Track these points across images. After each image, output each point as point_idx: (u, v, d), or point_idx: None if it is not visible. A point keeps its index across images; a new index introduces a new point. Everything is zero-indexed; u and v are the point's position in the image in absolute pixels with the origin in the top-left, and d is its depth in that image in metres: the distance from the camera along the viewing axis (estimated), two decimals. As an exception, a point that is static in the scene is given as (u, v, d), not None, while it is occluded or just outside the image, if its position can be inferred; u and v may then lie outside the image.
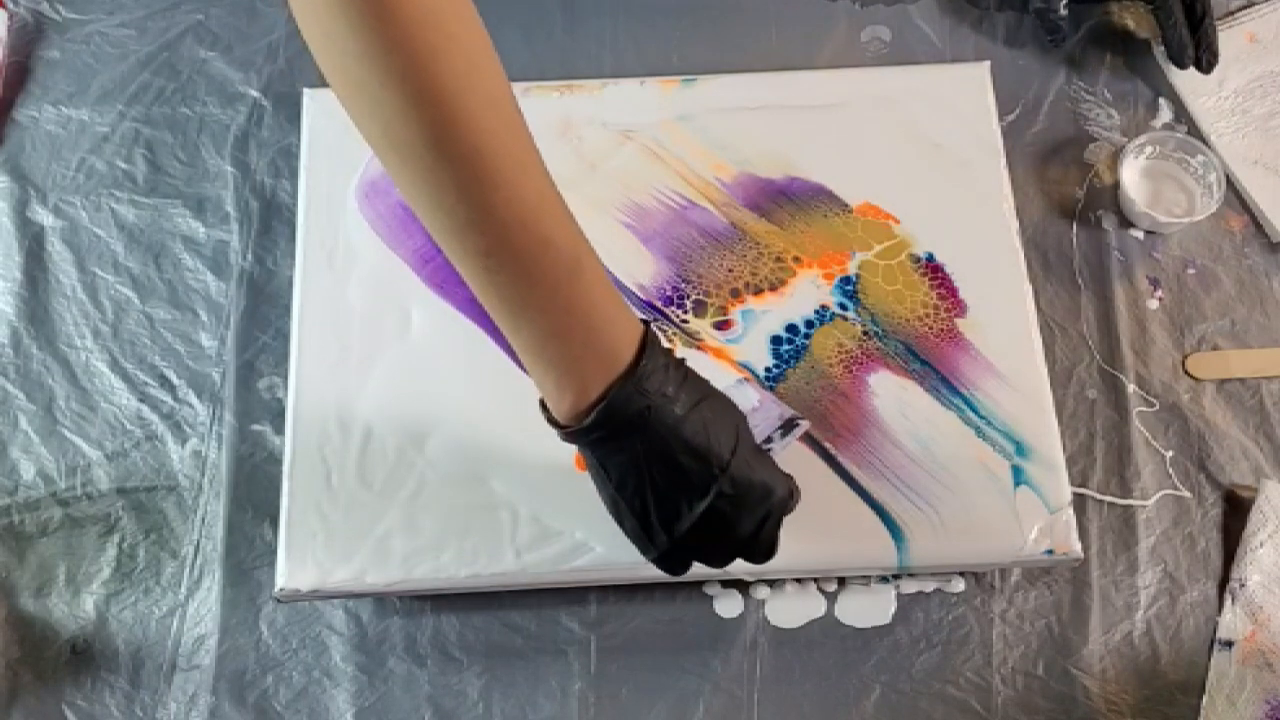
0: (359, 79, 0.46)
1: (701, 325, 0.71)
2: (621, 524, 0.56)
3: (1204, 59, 0.79)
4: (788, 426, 0.64)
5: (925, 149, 0.76)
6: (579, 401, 0.51)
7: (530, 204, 0.48)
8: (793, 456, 0.68)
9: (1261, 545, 0.69)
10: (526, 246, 0.48)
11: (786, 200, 0.75)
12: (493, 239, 0.48)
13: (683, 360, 0.55)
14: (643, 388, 0.51)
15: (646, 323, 0.54)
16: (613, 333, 0.51)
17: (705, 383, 0.55)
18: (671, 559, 0.56)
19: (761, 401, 0.65)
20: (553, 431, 0.67)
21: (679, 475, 0.53)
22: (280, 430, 0.70)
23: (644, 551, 0.56)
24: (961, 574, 0.69)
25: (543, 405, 0.54)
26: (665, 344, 0.54)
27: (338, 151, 0.75)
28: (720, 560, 0.57)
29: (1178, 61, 0.80)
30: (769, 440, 0.64)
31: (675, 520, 0.54)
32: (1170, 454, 0.73)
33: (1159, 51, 0.83)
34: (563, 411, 0.52)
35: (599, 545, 0.66)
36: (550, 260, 0.49)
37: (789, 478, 0.57)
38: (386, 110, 0.46)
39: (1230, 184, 0.79)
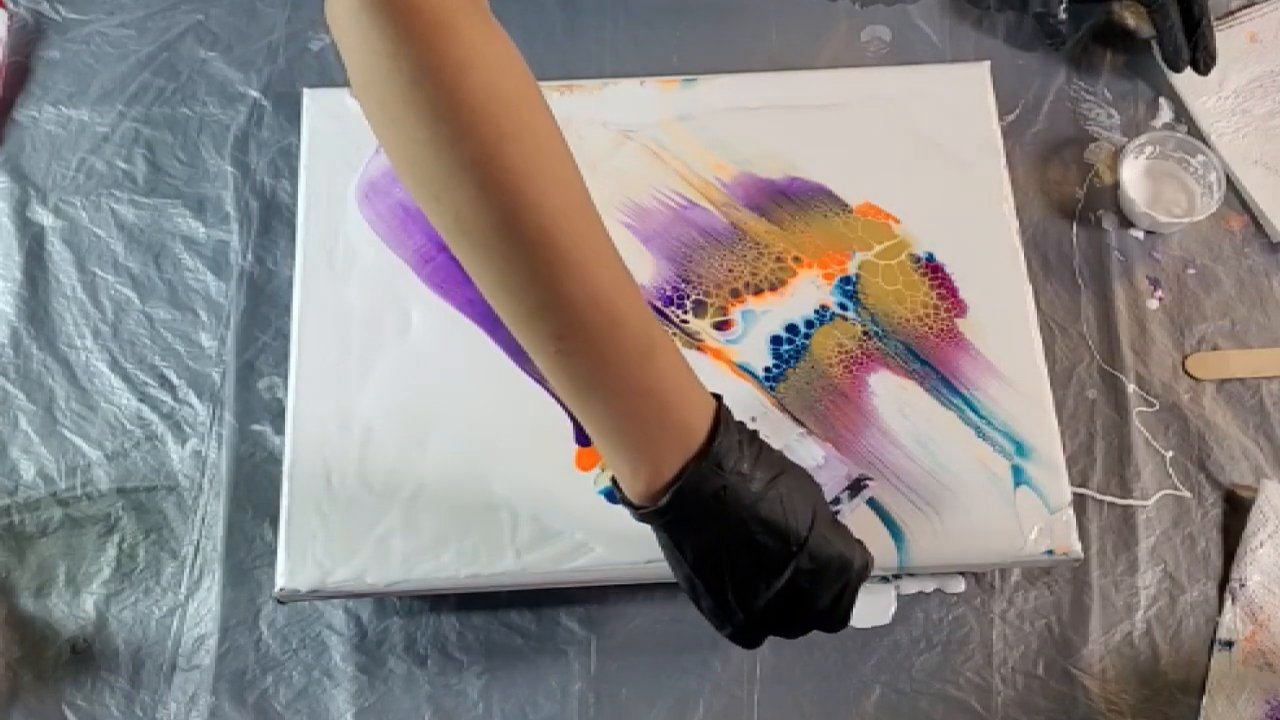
0: (428, 167, 0.46)
1: (701, 325, 0.71)
2: (697, 603, 0.55)
3: (1201, 61, 0.79)
4: (855, 487, 0.64)
5: (925, 149, 0.76)
6: (653, 482, 0.50)
7: (601, 286, 0.48)
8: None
9: (1261, 545, 0.69)
10: (598, 329, 0.48)
11: (786, 200, 0.75)
12: (564, 322, 0.48)
13: (755, 433, 0.53)
14: (718, 467, 0.50)
15: (718, 397, 0.52)
16: (686, 411, 0.50)
17: (779, 456, 0.54)
18: (747, 634, 0.55)
19: (826, 458, 0.64)
20: (553, 432, 0.67)
21: (756, 554, 0.52)
22: (280, 430, 0.70)
23: (719, 628, 0.55)
24: (961, 574, 0.69)
25: (615, 484, 0.53)
26: (741, 423, 0.53)
27: (338, 151, 0.75)
28: (796, 632, 0.56)
29: (1173, 65, 0.80)
30: (836, 502, 0.63)
31: (753, 598, 0.53)
32: (1170, 454, 0.73)
33: (1159, 52, 0.83)
34: (637, 492, 0.51)
35: (599, 545, 0.66)
36: (622, 342, 0.48)
37: (862, 545, 0.56)
38: (456, 197, 0.46)
39: (1230, 184, 0.79)
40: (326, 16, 0.49)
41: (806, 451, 0.63)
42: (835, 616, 0.55)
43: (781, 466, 0.53)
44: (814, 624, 0.56)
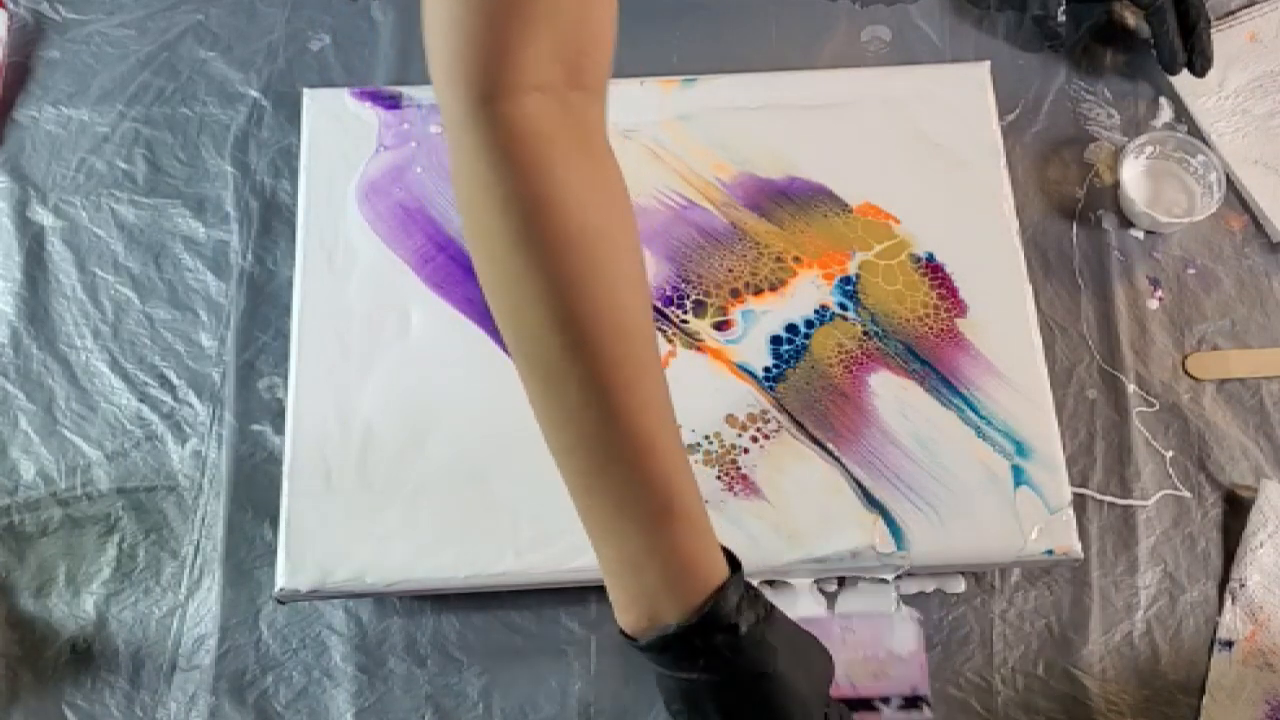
0: (506, 291, 0.48)
1: (701, 325, 0.71)
2: None
3: (1197, 63, 0.79)
4: (912, 702, 0.63)
5: (925, 149, 0.76)
6: (642, 624, 0.50)
7: (632, 444, 0.49)
8: (792, 455, 0.68)
9: (1261, 545, 0.69)
10: (620, 481, 0.49)
11: (786, 200, 0.75)
12: (593, 463, 0.49)
13: (771, 608, 0.52)
14: (709, 631, 0.49)
15: (736, 567, 0.52)
16: (692, 577, 0.50)
17: (786, 630, 0.53)
18: None
19: (912, 654, 0.63)
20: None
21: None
22: (280, 430, 0.70)
23: None
24: (961, 574, 0.69)
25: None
26: (755, 593, 0.52)
27: (338, 151, 0.75)
28: None
29: (1168, 68, 0.80)
30: (886, 701, 0.63)
31: None
32: (1170, 454, 0.73)
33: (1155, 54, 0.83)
34: (626, 624, 0.51)
35: (599, 545, 0.66)
36: (640, 499, 0.49)
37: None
38: (530, 326, 0.48)
39: (1230, 184, 0.79)
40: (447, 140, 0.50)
41: (900, 634, 0.62)
42: None
43: (782, 642, 0.52)
44: None
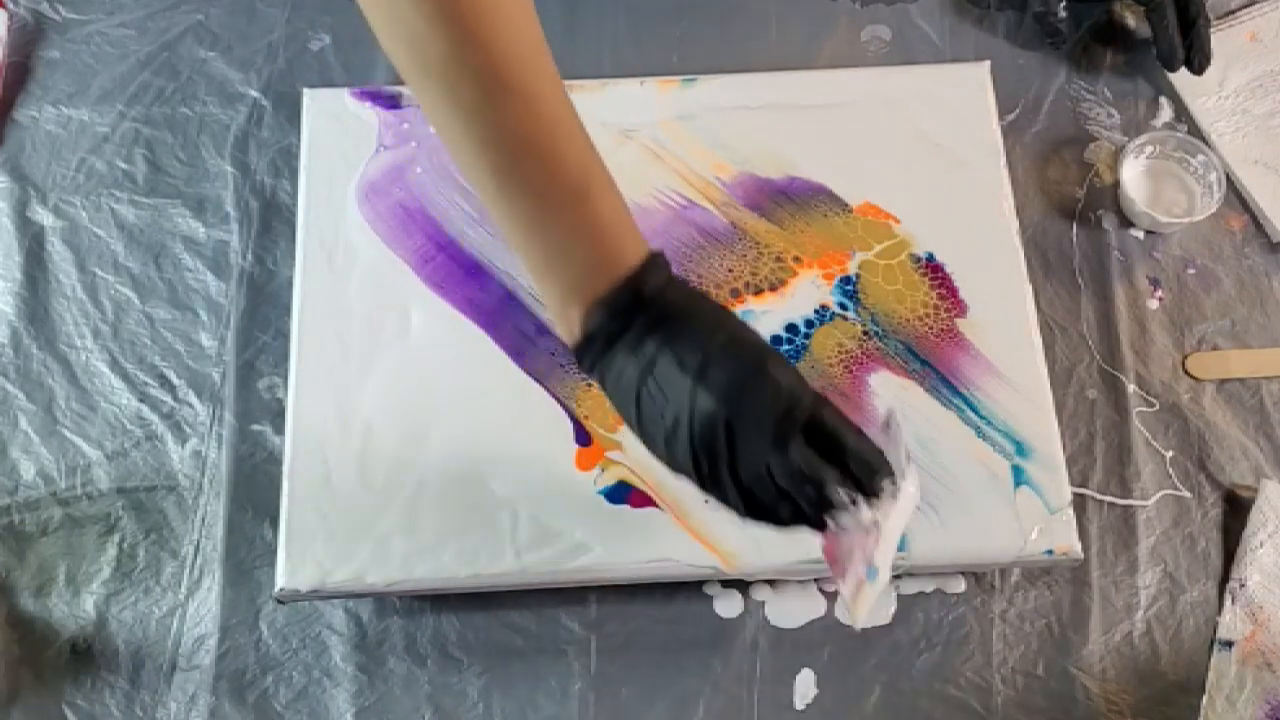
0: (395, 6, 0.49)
1: (701, 325, 0.71)
2: (670, 464, 0.52)
3: (1195, 60, 0.79)
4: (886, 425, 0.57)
5: (925, 149, 0.76)
6: (581, 321, 0.51)
7: (540, 125, 0.50)
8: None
9: (1261, 545, 0.69)
10: (536, 168, 0.50)
11: (786, 200, 0.75)
12: (504, 159, 0.50)
13: (691, 286, 0.53)
14: (642, 293, 0.51)
15: (659, 252, 0.53)
16: (620, 249, 0.52)
17: (715, 304, 0.53)
18: (721, 492, 0.51)
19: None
20: (553, 432, 0.67)
21: (673, 380, 0.50)
22: (280, 430, 0.70)
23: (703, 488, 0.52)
24: (961, 574, 0.69)
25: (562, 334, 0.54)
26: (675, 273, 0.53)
27: (338, 151, 0.75)
28: (765, 499, 0.51)
29: (1167, 64, 0.80)
30: None
31: (675, 437, 0.50)
32: (1170, 454, 0.73)
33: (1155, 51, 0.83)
34: (570, 331, 0.52)
35: (599, 545, 0.66)
36: (559, 180, 0.51)
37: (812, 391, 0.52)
38: (410, 28, 0.49)
39: (1230, 184, 0.79)
40: None
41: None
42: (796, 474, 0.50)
43: (716, 310, 0.52)
44: (785, 480, 0.50)
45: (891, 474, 0.52)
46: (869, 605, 0.53)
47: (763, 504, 0.51)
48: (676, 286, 0.52)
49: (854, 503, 0.51)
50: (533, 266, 0.52)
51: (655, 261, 0.52)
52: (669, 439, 0.51)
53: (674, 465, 0.52)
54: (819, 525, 0.52)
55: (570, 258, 0.51)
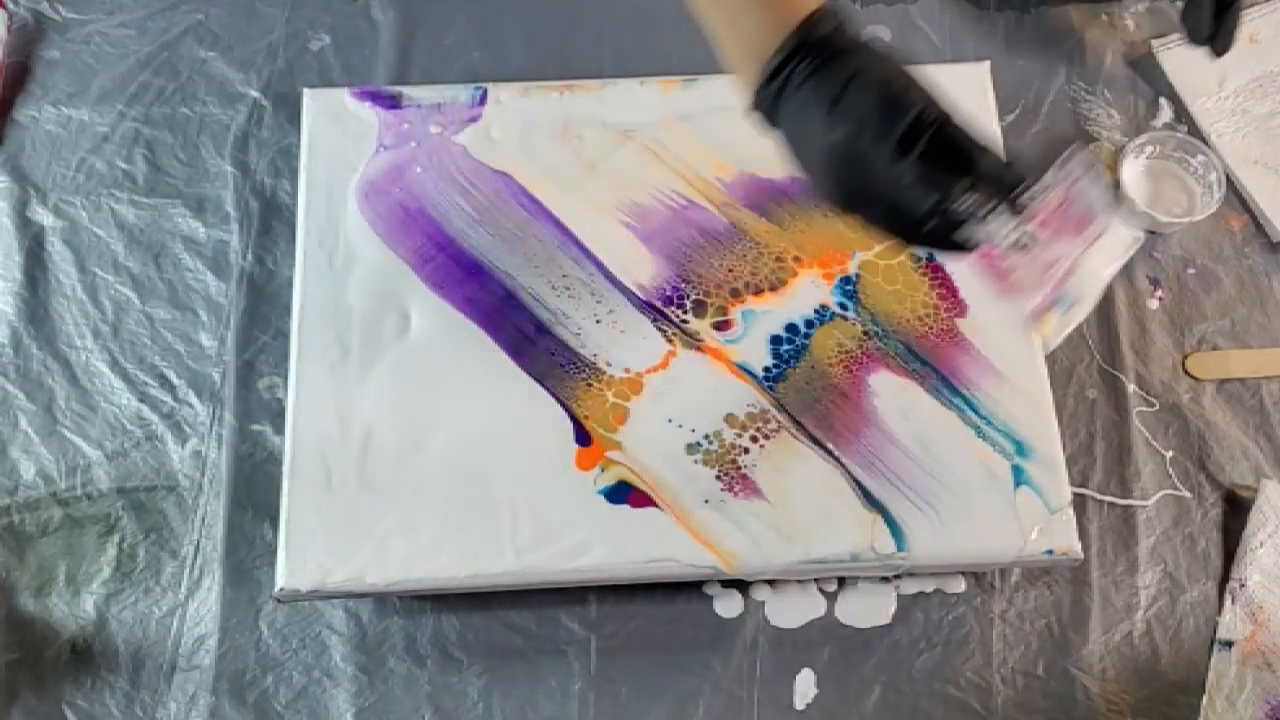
0: None
1: (701, 325, 0.71)
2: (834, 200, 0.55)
3: (1220, 39, 0.77)
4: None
5: (925, 149, 0.76)
6: (758, 73, 0.55)
7: None
8: (792, 455, 0.68)
9: (1261, 545, 0.69)
10: None
11: (787, 200, 0.75)
12: None
13: (856, 35, 0.56)
14: (808, 40, 0.53)
15: (828, 4, 0.55)
16: (792, 6, 0.54)
17: (873, 50, 0.55)
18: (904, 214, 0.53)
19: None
20: (553, 432, 0.67)
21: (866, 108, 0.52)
22: (280, 430, 0.70)
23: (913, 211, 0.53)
24: (961, 574, 0.69)
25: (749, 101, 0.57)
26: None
27: (338, 151, 0.75)
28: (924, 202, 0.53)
29: (1193, 36, 0.78)
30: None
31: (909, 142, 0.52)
32: (1170, 454, 0.73)
33: (1159, 51, 0.83)
34: (750, 81, 0.56)
35: (599, 545, 0.66)
36: None
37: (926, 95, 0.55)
38: None
39: (1230, 184, 0.79)
40: None
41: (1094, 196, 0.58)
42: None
43: (871, 51, 0.55)
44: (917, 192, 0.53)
45: (1029, 186, 0.53)
46: (1057, 332, 0.56)
47: (909, 218, 0.53)
48: (842, 34, 0.55)
49: (987, 217, 0.53)
50: (716, 29, 0.57)
51: (823, 12, 0.55)
52: (821, 173, 0.55)
53: (835, 199, 0.55)
54: (957, 243, 0.53)
55: (748, 14, 0.55)
